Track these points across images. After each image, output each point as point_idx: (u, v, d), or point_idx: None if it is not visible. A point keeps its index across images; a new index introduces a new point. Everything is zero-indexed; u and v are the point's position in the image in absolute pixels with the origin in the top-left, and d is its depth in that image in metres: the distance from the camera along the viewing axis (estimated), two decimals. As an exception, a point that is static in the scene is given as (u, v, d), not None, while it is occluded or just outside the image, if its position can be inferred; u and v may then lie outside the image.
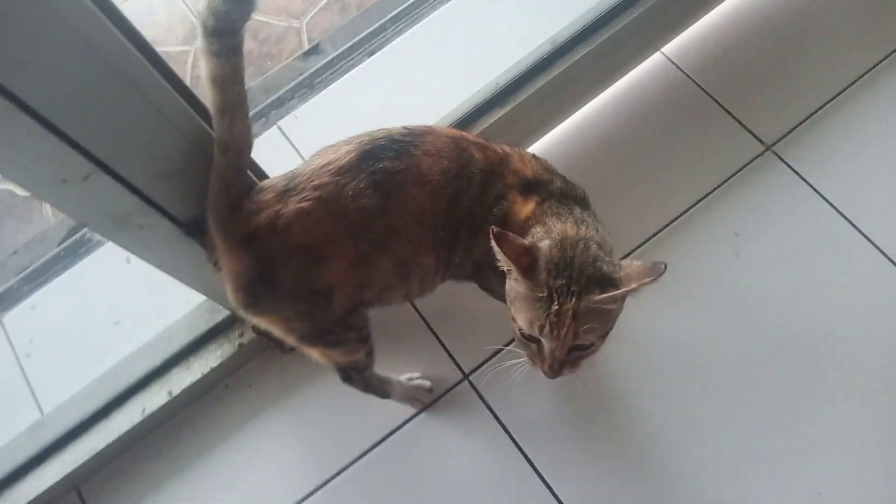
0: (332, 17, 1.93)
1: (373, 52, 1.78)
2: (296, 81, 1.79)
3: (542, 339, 1.01)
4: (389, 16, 1.83)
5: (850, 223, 1.42)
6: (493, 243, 0.95)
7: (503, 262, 0.98)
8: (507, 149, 1.12)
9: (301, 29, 1.94)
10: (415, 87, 1.67)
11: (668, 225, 1.48)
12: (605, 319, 1.00)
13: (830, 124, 1.52)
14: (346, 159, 1.01)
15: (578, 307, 0.96)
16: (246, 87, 0.97)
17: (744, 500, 1.28)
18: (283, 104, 1.77)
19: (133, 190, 0.97)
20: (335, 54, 1.81)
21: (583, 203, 1.13)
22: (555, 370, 1.03)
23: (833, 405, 1.31)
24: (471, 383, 1.43)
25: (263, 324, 1.11)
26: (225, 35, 0.91)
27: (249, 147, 1.00)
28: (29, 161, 0.87)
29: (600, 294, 0.96)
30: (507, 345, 1.43)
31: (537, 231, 1.04)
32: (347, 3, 1.96)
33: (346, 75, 1.76)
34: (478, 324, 1.47)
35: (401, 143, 1.02)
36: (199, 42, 0.92)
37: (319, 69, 1.79)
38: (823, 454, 1.28)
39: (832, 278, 1.40)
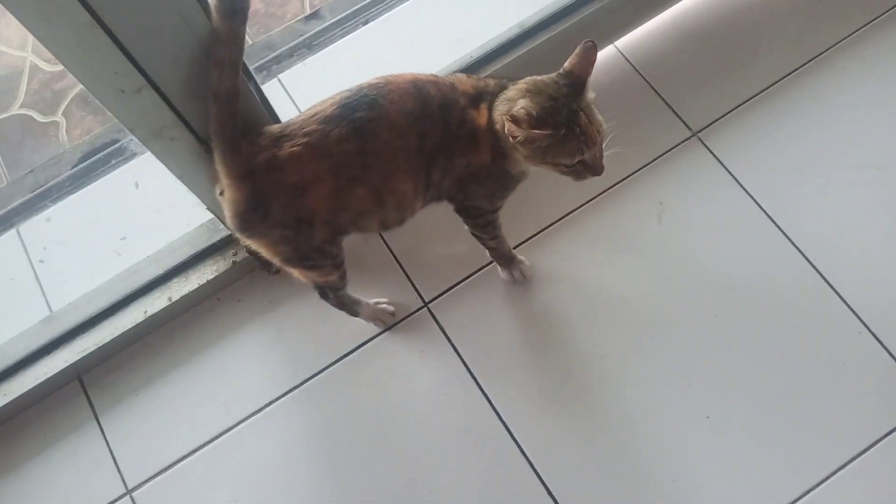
0: (333, -13, 2.15)
1: (367, 22, 2.00)
2: (296, 41, 2.01)
3: (586, 156, 1.26)
4: (384, -10, 2.05)
5: (759, 206, 1.69)
6: (510, 125, 1.19)
7: (520, 135, 1.20)
8: (450, 77, 1.34)
9: (304, -5, 2.16)
10: (401, 56, 1.91)
11: (604, 191, 1.74)
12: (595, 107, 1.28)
13: (752, 118, 1.78)
14: (330, 111, 1.23)
15: (587, 114, 1.24)
16: (243, 48, 1.14)
17: (656, 413, 1.55)
18: (283, 60, 1.99)
19: (171, 106, 1.20)
20: (333, 20, 2.03)
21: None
22: (601, 164, 1.31)
23: (724, 347, 1.59)
24: (430, 311, 1.68)
25: (254, 245, 1.33)
26: None
27: (236, 99, 1.16)
28: (99, 71, 1.10)
29: (581, 95, 1.25)
30: (466, 279, 1.69)
31: (499, 114, 1.24)
32: (348, -24, 2.17)
33: (341, 40, 1.98)
34: (440, 261, 1.71)
35: (371, 96, 1.24)
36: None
37: (318, 32, 2.02)
38: (714, 385, 1.56)
39: (738, 249, 1.67)
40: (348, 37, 1.99)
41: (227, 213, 1.27)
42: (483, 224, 1.51)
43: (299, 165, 1.22)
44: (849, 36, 1.86)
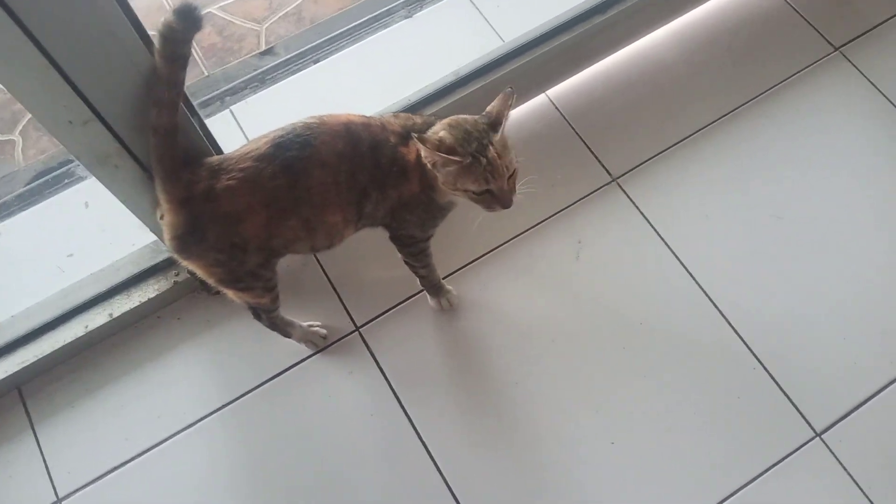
0: (288, 26, 2.27)
1: (318, 61, 2.12)
2: (250, 75, 2.12)
3: (492, 185, 1.34)
4: (336, 32, 2.16)
5: (669, 248, 1.82)
6: (419, 145, 1.31)
7: (430, 158, 1.33)
8: (382, 119, 1.42)
9: (261, 32, 2.27)
10: (346, 94, 2.03)
11: (528, 229, 1.86)
12: (510, 147, 1.37)
13: (667, 167, 1.93)
14: (264, 149, 1.31)
15: (496, 149, 1.33)
16: (182, 91, 1.23)
17: (565, 437, 1.66)
18: (237, 93, 2.10)
19: (116, 137, 1.29)
20: (286, 57, 2.15)
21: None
22: (510, 197, 1.38)
23: (631, 377, 1.71)
24: (361, 335, 1.78)
25: (190, 266, 1.42)
26: (174, 43, 1.17)
27: (174, 134, 1.25)
28: (49, 104, 1.19)
29: (497, 132, 1.34)
30: (396, 305, 1.80)
31: (427, 150, 1.32)
32: (303, 16, 2.30)
33: (293, 76, 2.10)
34: (374, 288, 1.81)
35: (304, 136, 1.34)
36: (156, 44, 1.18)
37: (271, 68, 2.13)
38: (619, 412, 1.67)
39: (648, 287, 1.80)
40: (299, 74, 2.11)
41: (166, 235, 1.36)
42: (416, 252, 1.62)
43: (234, 197, 1.32)
44: (761, 94, 2.03)
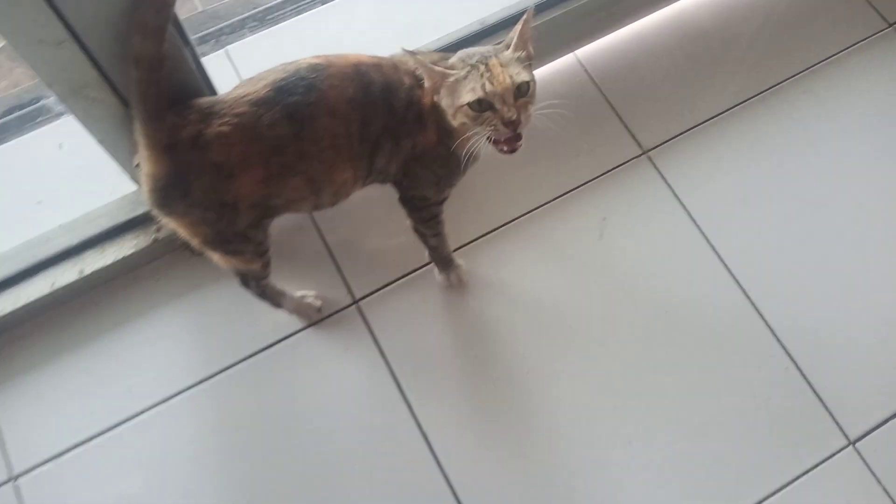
0: (295, -39, 2.06)
1: (325, 2, 1.92)
2: (250, 13, 1.92)
3: (489, 93, 1.16)
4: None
5: (701, 231, 1.68)
6: (410, 60, 1.21)
7: (423, 72, 1.20)
8: (394, 58, 1.29)
9: (262, -33, 2.06)
10: (357, 40, 1.82)
11: (550, 201, 1.70)
12: (525, 65, 1.21)
13: (703, 142, 1.77)
14: (263, 92, 1.15)
15: (500, 60, 1.18)
16: (169, 16, 1.06)
17: (579, 435, 1.52)
18: (233, 31, 1.90)
19: (95, 64, 1.11)
20: (290, -5, 1.95)
21: None
22: (513, 117, 1.17)
23: (653, 371, 1.56)
24: (359, 309, 1.61)
25: (171, 224, 1.24)
26: None
27: (159, 67, 1.07)
28: (17, 16, 1.01)
29: (506, 50, 1.20)
30: (400, 279, 1.63)
31: (418, 62, 1.21)
32: (311, -50, 2.08)
33: (299, 16, 1.90)
34: (376, 257, 1.65)
35: (308, 79, 1.17)
36: None
37: (273, 7, 1.93)
38: (639, 409, 1.53)
39: (675, 273, 1.65)
40: (304, 14, 1.91)
41: (144, 186, 1.18)
42: (427, 218, 1.46)
43: (227, 146, 1.14)
44: (806, 69, 1.86)
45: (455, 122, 1.22)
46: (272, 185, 1.21)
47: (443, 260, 1.58)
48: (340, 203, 1.34)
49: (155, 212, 1.21)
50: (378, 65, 1.25)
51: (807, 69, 1.86)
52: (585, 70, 1.84)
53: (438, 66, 1.21)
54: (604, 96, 1.81)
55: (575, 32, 1.80)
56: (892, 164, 1.77)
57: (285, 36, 1.88)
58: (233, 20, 1.91)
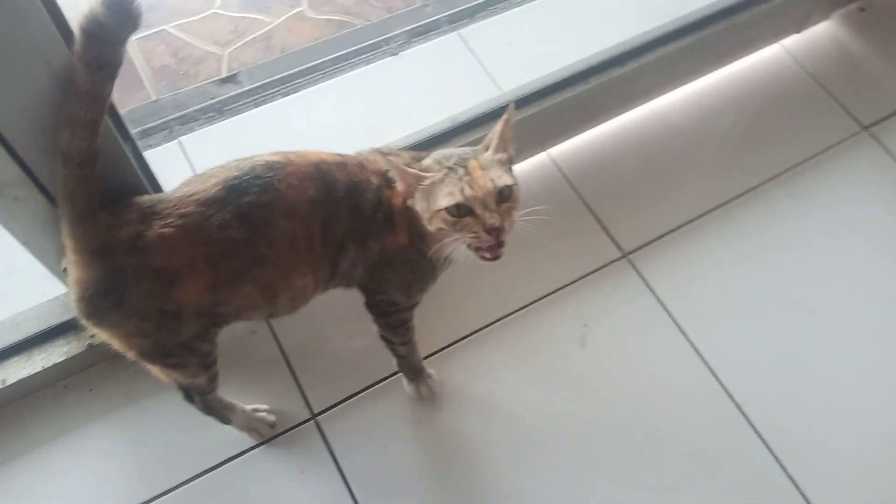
0: (256, 53, 1.99)
1: (286, 94, 1.85)
2: (206, 104, 1.82)
3: (468, 197, 1.07)
4: (309, 65, 1.91)
5: (686, 337, 1.58)
6: (379, 160, 1.13)
7: (395, 173, 1.12)
8: (360, 156, 1.19)
9: (223, 57, 1.98)
10: (317, 134, 1.75)
11: (527, 305, 1.59)
12: (506, 168, 1.14)
13: (684, 244, 1.70)
14: (213, 191, 1.04)
15: (480, 162, 1.11)
16: (104, 108, 0.95)
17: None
18: (188, 122, 1.80)
19: (18, 160, 0.98)
20: (250, 87, 1.87)
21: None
22: (496, 224, 1.08)
23: (643, 492, 1.42)
24: (317, 424, 1.45)
25: (102, 335, 1.09)
26: (101, 46, 0.90)
27: (91, 163, 0.96)
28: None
29: (485, 152, 1.13)
30: (364, 390, 1.48)
31: (390, 162, 1.13)
32: (273, 43, 2.02)
33: (256, 109, 1.82)
34: (337, 366, 1.51)
35: (265, 178, 1.06)
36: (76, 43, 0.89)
37: (232, 97, 1.84)
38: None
39: (662, 382, 1.54)
40: (263, 106, 1.83)
41: (72, 294, 1.03)
42: (396, 324, 1.33)
43: (169, 250, 1.02)
44: (785, 171, 1.83)
45: (431, 227, 1.12)
46: (221, 292, 1.08)
47: (412, 370, 1.45)
48: (299, 310, 1.21)
49: (84, 322, 1.06)
50: (342, 163, 1.16)
51: (787, 170, 1.83)
52: (559, 169, 1.78)
53: (412, 167, 1.12)
54: (579, 196, 1.74)
55: (548, 131, 1.74)
56: (875, 267, 1.72)
57: (244, 128, 1.79)
58: (188, 110, 1.80)
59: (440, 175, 1.10)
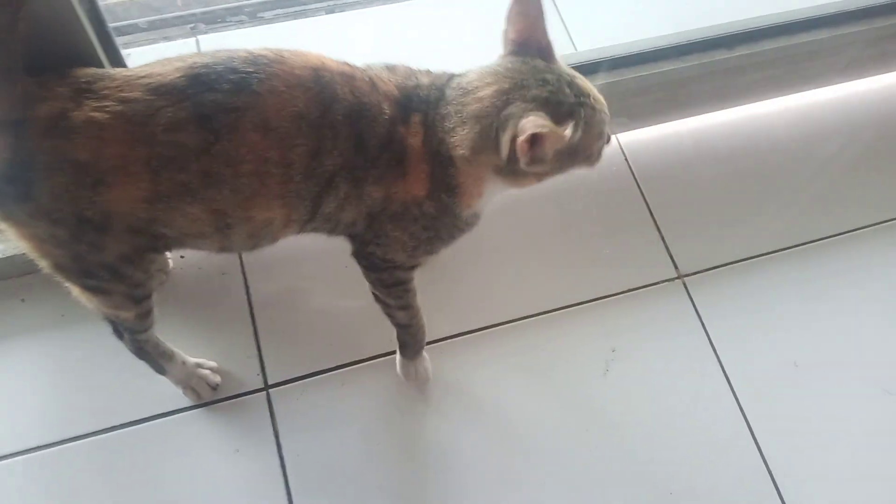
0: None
1: (332, 11, 1.60)
2: (237, 4, 1.58)
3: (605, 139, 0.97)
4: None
5: (731, 387, 1.30)
6: (529, 151, 0.83)
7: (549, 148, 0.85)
8: (370, 71, 0.93)
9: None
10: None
11: (548, 312, 1.32)
12: None
13: (750, 280, 1.41)
14: (171, 78, 0.81)
15: (580, 79, 0.93)
16: None
17: None
18: (214, 21, 1.56)
19: None
20: (291, -5, 1.62)
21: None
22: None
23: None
24: (268, 397, 1.21)
25: (10, 233, 0.86)
26: None
27: (15, 6, 0.75)
28: None
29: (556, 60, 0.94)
30: (330, 371, 1.24)
31: (466, 137, 0.89)
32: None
33: (291, 21, 1.57)
34: (310, 335, 1.27)
35: (242, 73, 0.82)
36: None
37: (268, 3, 1.59)
38: None
39: (688, 431, 1.27)
40: (301, 20, 1.59)
41: None
42: (390, 282, 1.08)
43: (98, 142, 0.79)
44: (875, 225, 1.51)
45: (553, 176, 0.94)
46: (161, 208, 0.84)
47: (414, 345, 1.19)
48: (261, 249, 0.97)
49: None
50: (350, 76, 0.90)
51: (879, 224, 1.51)
52: (626, 160, 1.49)
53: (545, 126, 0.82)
54: (643, 197, 1.45)
55: (622, 110, 1.43)
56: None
57: (275, 40, 1.53)
58: (215, 7, 1.57)
59: (581, 120, 0.88)
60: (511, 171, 0.90)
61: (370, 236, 1.00)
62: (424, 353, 1.23)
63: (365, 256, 1.04)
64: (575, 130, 0.86)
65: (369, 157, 0.91)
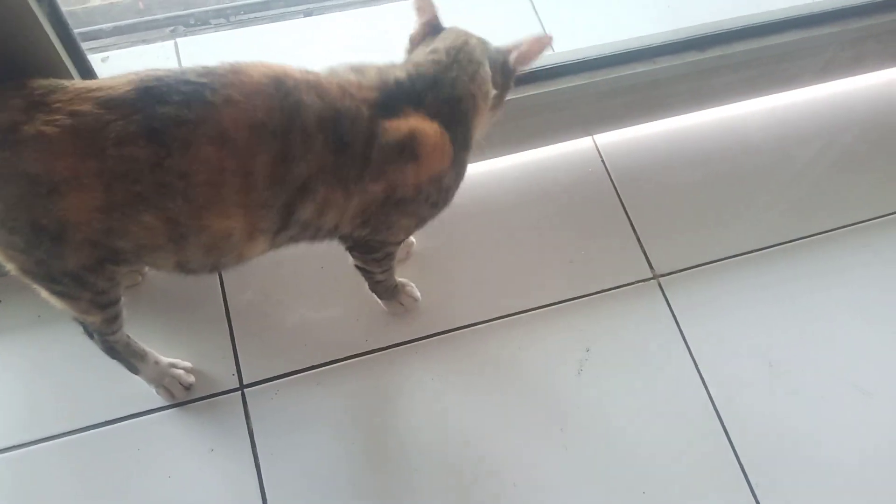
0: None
1: (310, 13, 1.61)
2: (215, 7, 1.59)
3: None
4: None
5: (706, 389, 1.30)
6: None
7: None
8: (338, 79, 0.93)
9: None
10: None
11: (521, 312, 1.33)
12: None
13: (726, 280, 1.41)
14: (121, 91, 0.80)
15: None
16: None
17: None
18: (191, 24, 1.57)
19: None
20: (271, -1, 1.63)
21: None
22: None
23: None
24: (243, 397, 1.22)
25: None
26: None
27: None
28: None
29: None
30: (307, 370, 1.24)
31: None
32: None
33: (270, 24, 1.58)
34: (285, 335, 1.28)
35: (195, 84, 0.82)
36: None
37: (245, 6, 1.60)
38: None
39: (662, 431, 1.27)
40: (279, 23, 1.60)
41: None
42: (382, 257, 1.14)
43: (49, 155, 0.79)
44: (873, 218, 1.52)
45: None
46: (115, 217, 0.83)
47: (389, 290, 1.25)
48: (226, 267, 0.97)
49: None
50: (314, 83, 0.90)
51: (873, 218, 1.52)
52: (602, 160, 1.49)
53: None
54: (618, 197, 1.46)
55: (597, 112, 1.45)
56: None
57: (250, 43, 1.55)
58: (196, 10, 1.57)
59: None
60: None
61: (365, 232, 1.03)
62: (401, 280, 1.27)
63: (361, 248, 1.09)
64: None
65: (357, 158, 0.92)
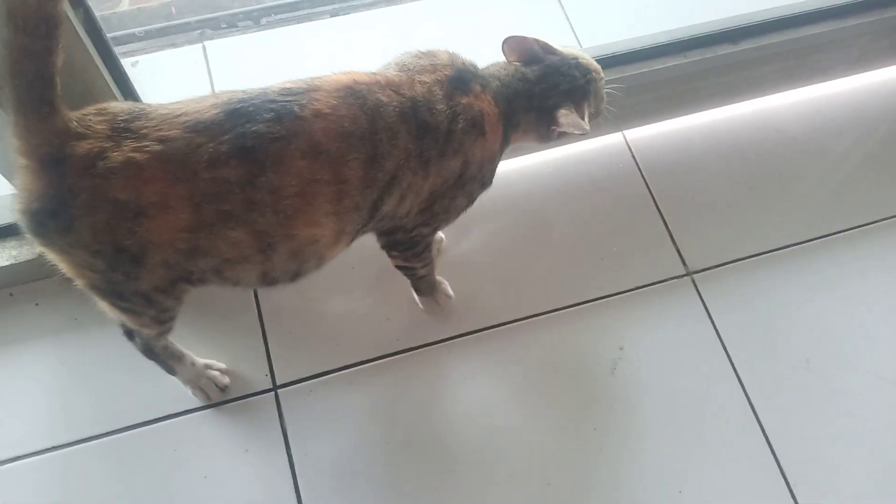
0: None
1: (336, 14, 1.61)
2: (242, 10, 1.60)
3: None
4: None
5: (740, 382, 1.29)
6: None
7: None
8: (406, 75, 0.97)
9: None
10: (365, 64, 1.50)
11: (555, 311, 1.32)
12: None
13: (755, 275, 1.39)
14: (208, 114, 0.81)
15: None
16: None
17: None
18: (219, 27, 1.58)
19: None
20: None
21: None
22: None
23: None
24: (277, 398, 1.22)
25: (50, 255, 0.88)
26: None
27: (43, 28, 0.73)
28: None
29: None
30: (338, 371, 1.24)
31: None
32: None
33: (298, 25, 1.58)
34: (318, 336, 1.29)
35: (281, 102, 0.83)
36: None
37: (273, 7, 1.61)
38: None
39: (698, 431, 1.25)
40: (307, 23, 1.60)
41: (16, 204, 0.82)
42: (421, 250, 1.15)
43: (138, 182, 0.79)
44: (888, 219, 1.48)
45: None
46: (200, 236, 0.84)
47: (430, 285, 1.27)
48: (308, 272, 0.97)
49: (29, 237, 0.85)
50: (385, 81, 0.93)
51: (892, 217, 1.48)
52: (633, 157, 1.48)
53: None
54: (650, 193, 1.44)
55: (628, 108, 1.43)
56: None
57: (279, 45, 1.55)
58: (222, 13, 1.59)
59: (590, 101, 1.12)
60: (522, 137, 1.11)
61: (423, 218, 1.05)
62: (438, 277, 1.27)
63: (402, 245, 1.10)
64: (589, 109, 1.08)
65: (441, 136, 0.96)
